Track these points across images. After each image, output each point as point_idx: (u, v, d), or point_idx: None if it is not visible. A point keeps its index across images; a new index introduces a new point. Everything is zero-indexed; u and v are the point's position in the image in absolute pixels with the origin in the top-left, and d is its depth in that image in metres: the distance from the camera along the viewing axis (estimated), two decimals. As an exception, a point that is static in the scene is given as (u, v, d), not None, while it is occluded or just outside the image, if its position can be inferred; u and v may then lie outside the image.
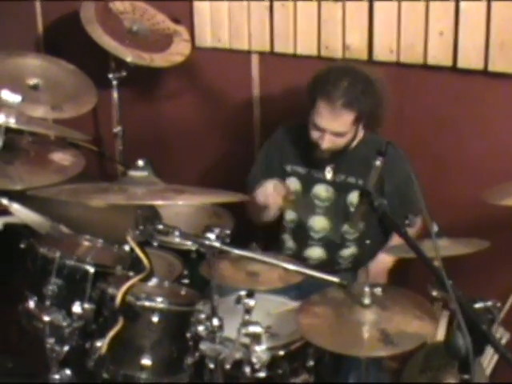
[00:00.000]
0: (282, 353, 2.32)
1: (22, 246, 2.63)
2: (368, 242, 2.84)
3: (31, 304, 2.52)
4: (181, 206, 3.13)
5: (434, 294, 2.24)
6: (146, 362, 2.35)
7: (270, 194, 2.78)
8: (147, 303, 2.35)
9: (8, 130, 2.63)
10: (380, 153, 2.15)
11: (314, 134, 2.78)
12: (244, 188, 2.88)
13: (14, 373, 3.01)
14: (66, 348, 2.47)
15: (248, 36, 3.38)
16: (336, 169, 2.88)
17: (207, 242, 2.14)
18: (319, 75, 2.77)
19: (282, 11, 3.24)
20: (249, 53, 3.42)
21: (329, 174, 2.89)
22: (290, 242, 2.99)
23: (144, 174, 2.24)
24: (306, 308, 2.30)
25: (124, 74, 3.47)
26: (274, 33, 3.30)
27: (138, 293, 2.35)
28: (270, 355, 2.20)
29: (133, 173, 2.25)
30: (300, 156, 2.92)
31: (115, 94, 3.53)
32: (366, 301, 2.17)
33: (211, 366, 2.19)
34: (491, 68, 2.76)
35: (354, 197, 2.84)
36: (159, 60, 3.40)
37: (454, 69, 2.86)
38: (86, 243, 2.66)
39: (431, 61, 2.90)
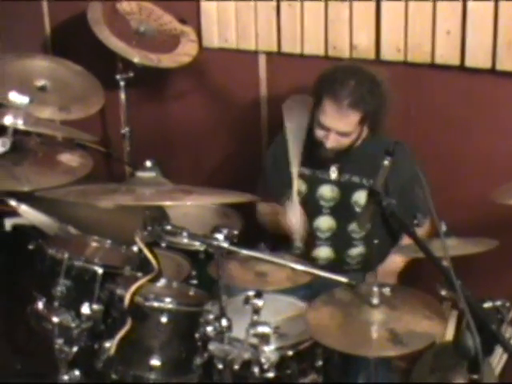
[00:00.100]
0: (290, 353, 2.32)
1: (31, 247, 2.64)
2: (376, 241, 2.83)
3: (40, 305, 2.53)
4: (189, 207, 3.13)
5: (443, 293, 2.24)
6: (155, 362, 2.36)
7: (301, 223, 2.79)
8: (156, 304, 2.36)
9: (16, 132, 2.64)
10: (388, 152, 2.15)
11: (319, 133, 2.77)
12: (251, 188, 2.87)
13: (23, 373, 3.01)
14: (75, 349, 2.47)
15: (255, 36, 3.38)
16: (340, 168, 2.87)
17: (215, 243, 2.14)
18: (325, 74, 2.76)
19: (289, 11, 3.24)
20: (256, 53, 3.42)
21: (333, 173, 2.89)
22: (297, 243, 2.99)
23: (152, 174, 2.25)
24: (314, 308, 2.29)
25: (131, 74, 3.48)
26: (281, 33, 3.29)
27: (146, 293, 2.35)
28: (279, 355, 2.20)
29: (141, 173, 2.25)
30: (304, 157, 2.91)
31: (123, 95, 3.54)
32: (375, 301, 2.16)
33: (220, 366, 2.19)
34: (499, 67, 2.76)
35: (358, 196, 2.84)
36: (166, 61, 3.41)
37: (461, 68, 2.85)
38: (95, 244, 2.66)
39: (439, 60, 2.89)
